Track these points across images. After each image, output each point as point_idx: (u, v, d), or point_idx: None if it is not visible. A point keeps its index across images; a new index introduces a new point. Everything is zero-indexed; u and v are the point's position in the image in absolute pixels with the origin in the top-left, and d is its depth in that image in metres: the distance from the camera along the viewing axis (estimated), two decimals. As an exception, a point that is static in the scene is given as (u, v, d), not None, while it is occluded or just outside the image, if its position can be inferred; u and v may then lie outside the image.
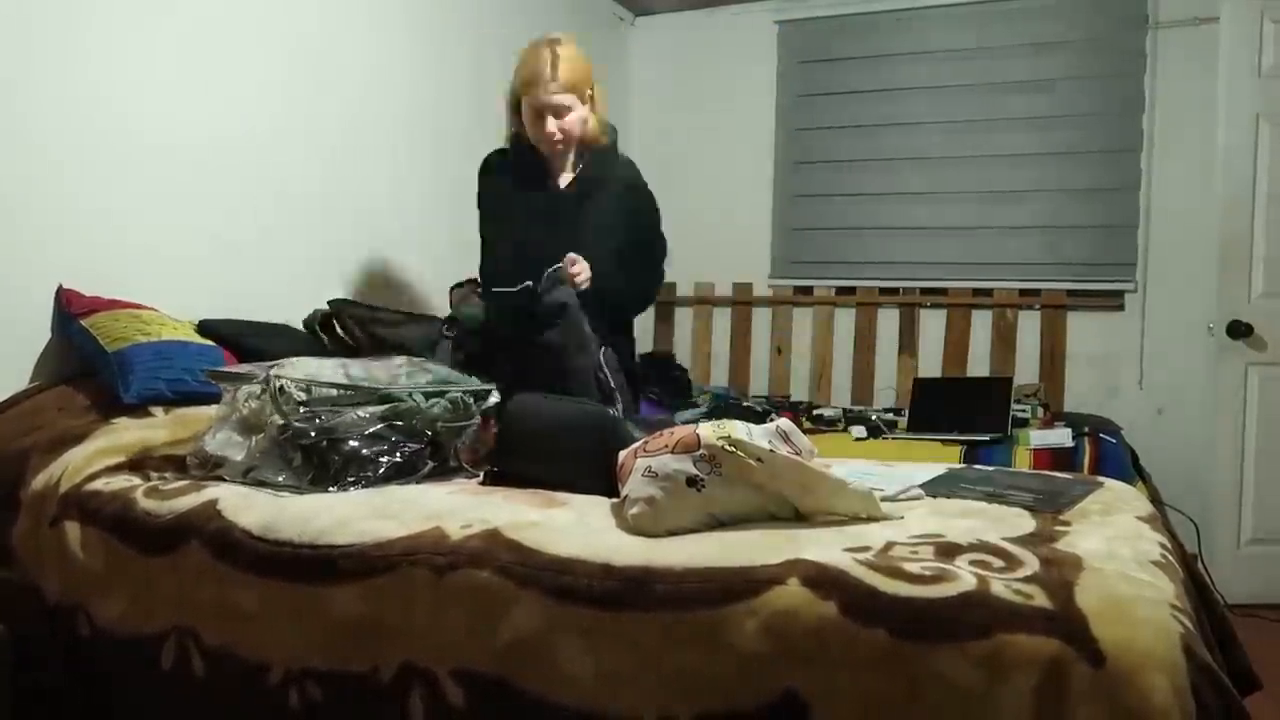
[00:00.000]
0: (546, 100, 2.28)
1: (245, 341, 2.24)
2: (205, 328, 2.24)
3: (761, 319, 4.47)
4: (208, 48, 2.45)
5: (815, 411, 3.81)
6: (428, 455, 1.82)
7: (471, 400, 1.94)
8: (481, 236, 2.46)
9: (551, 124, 2.30)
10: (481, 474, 1.81)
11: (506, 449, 1.80)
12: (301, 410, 1.74)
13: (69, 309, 2.04)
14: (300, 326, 2.64)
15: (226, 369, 1.93)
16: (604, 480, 1.63)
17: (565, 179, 2.41)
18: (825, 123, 4.34)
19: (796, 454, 1.52)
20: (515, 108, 2.36)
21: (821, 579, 1.20)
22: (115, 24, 2.21)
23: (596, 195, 2.39)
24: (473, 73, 3.44)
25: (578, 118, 2.32)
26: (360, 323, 2.64)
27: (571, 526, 1.44)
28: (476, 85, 3.40)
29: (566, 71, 2.27)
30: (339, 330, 2.64)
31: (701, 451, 1.43)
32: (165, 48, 2.34)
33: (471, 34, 3.49)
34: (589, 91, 2.35)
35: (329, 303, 2.71)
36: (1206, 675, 1.07)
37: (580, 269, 2.26)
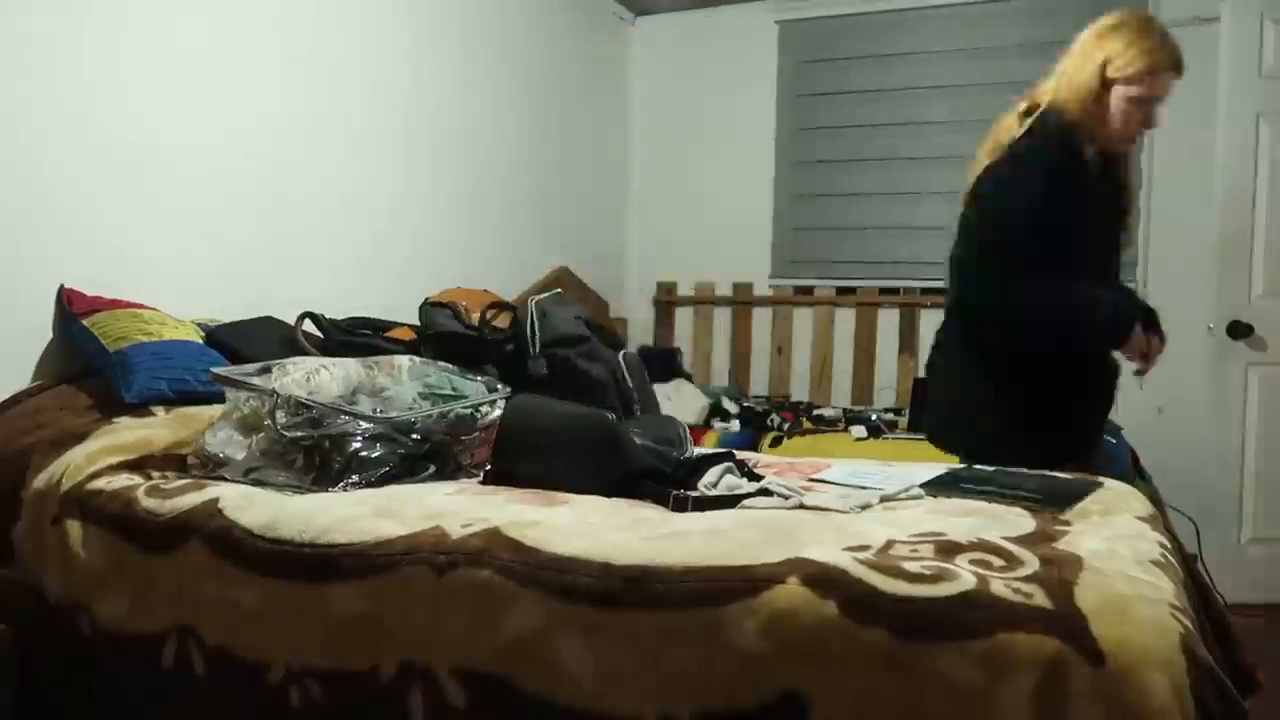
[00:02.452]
0: (1166, 93, 2.08)
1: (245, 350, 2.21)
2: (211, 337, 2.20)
3: (761, 319, 4.47)
4: (209, 50, 2.45)
5: (815, 411, 3.81)
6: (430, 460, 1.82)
7: (477, 411, 1.93)
8: (1009, 241, 2.01)
9: (1159, 116, 2.09)
10: (482, 474, 1.81)
11: (506, 449, 1.80)
12: (302, 413, 1.73)
13: (70, 308, 2.04)
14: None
15: (228, 370, 1.92)
16: (604, 481, 1.63)
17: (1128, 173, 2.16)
18: (826, 122, 4.35)
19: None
20: (1097, 92, 2.04)
21: (821, 578, 1.20)
22: (116, 26, 2.21)
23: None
24: (474, 75, 3.44)
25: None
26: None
27: (572, 526, 1.44)
28: (478, 87, 3.40)
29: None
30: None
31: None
32: (166, 49, 2.34)
33: (473, 35, 3.49)
34: None
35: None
36: (1206, 675, 1.07)
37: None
